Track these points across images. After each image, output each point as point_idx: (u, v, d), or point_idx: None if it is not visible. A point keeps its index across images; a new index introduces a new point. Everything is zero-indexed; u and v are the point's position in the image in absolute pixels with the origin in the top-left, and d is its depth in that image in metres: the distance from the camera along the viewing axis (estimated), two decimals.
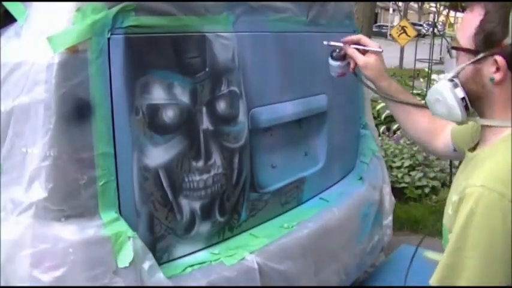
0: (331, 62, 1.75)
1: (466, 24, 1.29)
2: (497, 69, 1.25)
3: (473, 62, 1.28)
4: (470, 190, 1.21)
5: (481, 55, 1.26)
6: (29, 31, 1.53)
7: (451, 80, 1.31)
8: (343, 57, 1.71)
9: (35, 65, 1.46)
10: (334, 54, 1.73)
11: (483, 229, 1.18)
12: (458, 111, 1.31)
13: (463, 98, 1.30)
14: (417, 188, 4.76)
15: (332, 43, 1.73)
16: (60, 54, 1.44)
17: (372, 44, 1.71)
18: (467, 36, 1.28)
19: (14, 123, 1.49)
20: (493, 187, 1.18)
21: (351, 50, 1.71)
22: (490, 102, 1.30)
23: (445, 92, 1.31)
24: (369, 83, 1.77)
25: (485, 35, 1.25)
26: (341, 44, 1.72)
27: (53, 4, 1.53)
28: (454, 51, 1.33)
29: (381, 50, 1.68)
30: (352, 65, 1.73)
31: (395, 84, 1.72)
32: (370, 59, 1.68)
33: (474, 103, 1.32)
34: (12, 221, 1.47)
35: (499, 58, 1.24)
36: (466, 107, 1.31)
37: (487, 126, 1.33)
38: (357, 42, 1.72)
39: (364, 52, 1.69)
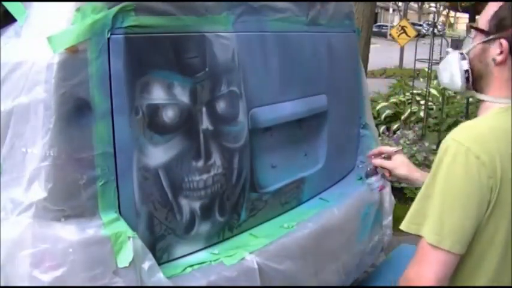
0: (368, 181, 1.91)
1: (487, 10, 1.44)
2: (501, 52, 1.39)
3: (483, 42, 1.43)
4: (442, 144, 1.36)
5: (491, 37, 1.41)
6: (29, 31, 1.53)
7: (461, 54, 1.47)
8: (375, 171, 1.87)
9: (34, 65, 1.46)
10: (367, 172, 1.90)
11: (448, 177, 1.32)
12: (459, 80, 1.47)
13: (466, 70, 1.46)
14: (417, 188, 4.75)
15: (361, 165, 1.95)
16: (60, 54, 1.44)
17: (390, 148, 1.89)
18: (484, 20, 1.43)
19: (14, 123, 1.49)
20: (461, 140, 1.32)
21: (378, 161, 1.86)
22: (488, 80, 1.44)
23: (453, 61, 1.48)
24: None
25: (497, 19, 1.40)
26: (370, 163, 1.89)
27: (53, 4, 1.53)
28: (473, 32, 1.48)
29: (400, 148, 1.88)
30: (387, 173, 1.86)
31: (425, 172, 1.83)
32: (396, 160, 1.83)
33: (476, 80, 1.47)
34: (12, 221, 1.47)
35: (503, 41, 1.39)
36: (467, 80, 1.47)
37: (482, 102, 1.48)
38: (379, 153, 1.88)
39: (388, 158, 1.85)
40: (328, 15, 2.46)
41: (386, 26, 39.03)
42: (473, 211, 1.31)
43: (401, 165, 1.82)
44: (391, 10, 48.51)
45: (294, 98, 2.26)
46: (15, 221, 1.46)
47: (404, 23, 7.86)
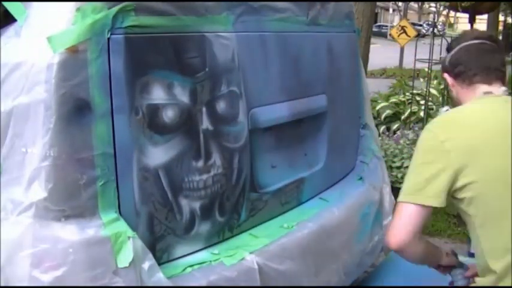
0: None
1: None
2: (452, 84, 1.78)
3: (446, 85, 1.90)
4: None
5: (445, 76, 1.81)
6: (29, 31, 1.53)
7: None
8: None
9: (35, 65, 1.46)
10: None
11: (418, 155, 1.70)
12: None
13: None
14: None
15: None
16: (60, 54, 1.44)
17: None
18: None
19: (14, 123, 1.49)
20: (430, 127, 1.71)
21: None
22: (462, 101, 1.79)
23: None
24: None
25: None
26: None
27: (53, 4, 1.53)
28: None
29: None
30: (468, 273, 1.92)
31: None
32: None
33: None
34: (12, 221, 1.47)
35: (445, 75, 1.79)
36: None
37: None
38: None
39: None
40: (328, 15, 2.46)
41: (386, 26, 39.02)
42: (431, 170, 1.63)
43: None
44: (391, 10, 48.52)
45: (294, 98, 2.26)
46: (15, 221, 1.46)
47: (404, 23, 7.86)
